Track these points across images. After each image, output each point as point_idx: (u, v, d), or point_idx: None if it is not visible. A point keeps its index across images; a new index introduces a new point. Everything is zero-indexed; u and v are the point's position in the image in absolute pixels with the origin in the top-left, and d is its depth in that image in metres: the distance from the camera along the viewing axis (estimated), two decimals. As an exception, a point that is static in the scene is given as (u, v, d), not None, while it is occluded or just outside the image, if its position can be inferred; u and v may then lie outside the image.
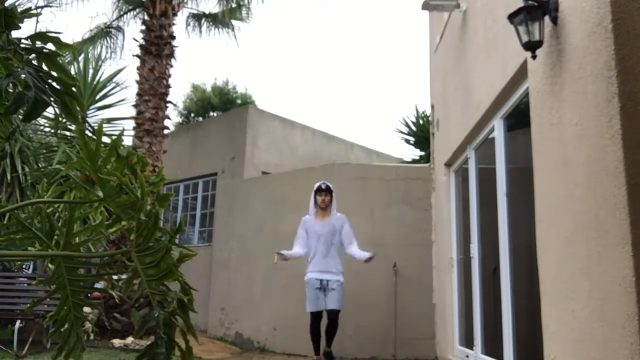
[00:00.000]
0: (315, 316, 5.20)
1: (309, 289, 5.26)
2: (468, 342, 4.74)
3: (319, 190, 5.48)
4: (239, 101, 20.19)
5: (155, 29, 8.32)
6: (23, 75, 1.07)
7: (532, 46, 2.54)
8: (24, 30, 1.13)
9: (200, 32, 10.34)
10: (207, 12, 10.28)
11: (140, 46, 8.36)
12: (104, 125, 6.77)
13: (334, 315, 5.15)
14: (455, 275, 5.24)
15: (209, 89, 20.88)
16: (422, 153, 9.74)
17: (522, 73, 3.19)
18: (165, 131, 8.31)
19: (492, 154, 3.99)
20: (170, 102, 8.38)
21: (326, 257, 5.31)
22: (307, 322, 5.28)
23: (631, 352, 1.84)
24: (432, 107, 6.47)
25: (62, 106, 1.14)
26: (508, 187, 3.76)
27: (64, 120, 1.18)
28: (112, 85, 7.90)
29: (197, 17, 10.30)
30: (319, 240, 5.35)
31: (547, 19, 2.59)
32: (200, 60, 42.87)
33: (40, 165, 6.92)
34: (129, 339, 6.50)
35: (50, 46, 1.16)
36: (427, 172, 6.54)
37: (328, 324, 5.18)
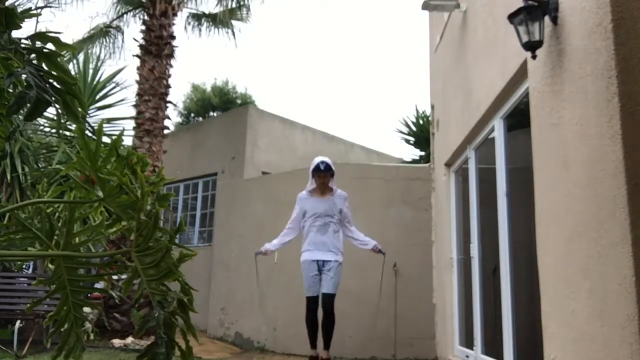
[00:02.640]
0: (312, 301, 4.78)
1: (305, 272, 4.80)
2: (468, 342, 4.74)
3: (317, 171, 4.88)
4: (239, 101, 20.19)
5: (155, 29, 8.32)
6: (24, 75, 1.07)
7: (532, 46, 2.54)
8: (24, 30, 1.13)
9: (200, 32, 10.36)
10: (207, 12, 10.28)
11: (140, 46, 8.36)
12: (104, 125, 6.77)
13: (329, 300, 4.69)
14: (455, 275, 5.24)
15: (209, 89, 20.88)
16: (422, 153, 9.74)
17: (522, 73, 3.19)
18: (165, 131, 8.31)
19: (492, 154, 3.99)
20: (170, 102, 8.38)
21: (324, 234, 4.81)
22: (307, 322, 5.12)
23: (631, 352, 1.84)
24: (432, 107, 6.47)
25: (63, 105, 1.14)
26: (508, 187, 3.76)
27: (65, 120, 1.18)
28: (112, 85, 7.91)
29: (197, 17, 10.30)
30: (317, 218, 4.85)
31: (547, 19, 2.59)
32: (200, 60, 42.90)
33: (40, 165, 6.93)
34: (129, 339, 6.51)
35: (50, 46, 1.16)
36: (427, 172, 6.54)
37: (324, 316, 4.74)
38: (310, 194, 5.00)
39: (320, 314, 4.89)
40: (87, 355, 5.11)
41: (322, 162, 4.90)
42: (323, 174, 4.89)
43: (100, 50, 9.77)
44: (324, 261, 4.79)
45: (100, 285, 6.61)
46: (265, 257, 5.39)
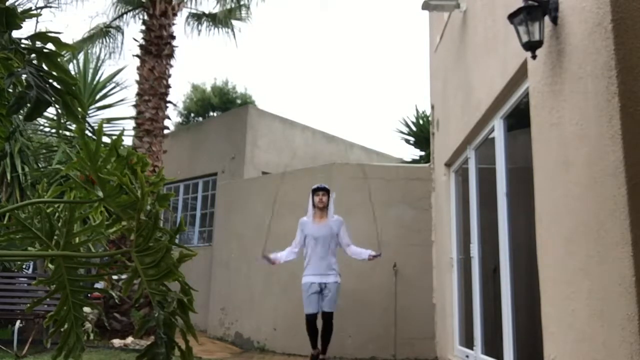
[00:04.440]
0: (312, 317, 5.19)
1: (306, 292, 5.23)
2: (468, 342, 4.74)
3: (316, 190, 5.46)
4: (239, 101, 20.19)
5: (155, 29, 8.32)
6: (24, 75, 1.07)
7: (532, 46, 2.54)
8: (24, 30, 1.13)
9: (200, 32, 10.35)
10: (206, 12, 10.28)
11: (140, 46, 8.36)
12: (104, 125, 6.77)
13: (328, 316, 5.16)
14: (455, 275, 5.24)
15: (208, 89, 20.88)
16: (422, 153, 9.74)
17: (522, 73, 3.19)
18: (165, 131, 8.31)
19: (492, 154, 3.99)
20: (170, 102, 8.38)
21: (324, 259, 5.28)
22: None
23: (631, 352, 1.84)
24: (432, 107, 6.47)
25: (63, 105, 1.14)
26: (508, 187, 3.76)
27: (65, 120, 1.18)
28: (112, 85, 7.90)
29: (197, 17, 10.30)
30: (317, 242, 5.31)
31: (547, 19, 2.59)
32: (200, 60, 42.84)
33: (40, 165, 6.92)
34: (129, 339, 6.50)
35: (50, 46, 1.16)
36: (427, 172, 6.54)
37: (323, 326, 5.17)
38: (310, 220, 5.49)
39: (319, 323, 5.23)
40: (87, 355, 5.11)
41: (320, 184, 5.57)
42: (321, 192, 5.44)
43: (100, 50, 9.78)
44: (325, 284, 5.24)
45: (100, 285, 6.62)
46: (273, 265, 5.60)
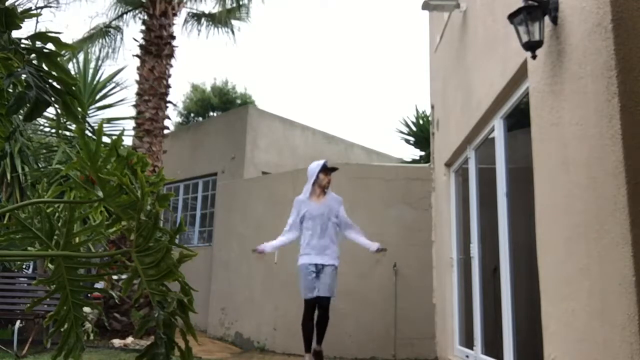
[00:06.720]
0: (310, 303, 4.78)
1: (303, 275, 4.80)
2: (468, 342, 4.74)
3: (324, 169, 5.00)
4: (238, 101, 20.19)
5: (155, 29, 8.32)
6: (24, 75, 1.07)
7: (532, 46, 2.54)
8: (24, 30, 1.13)
9: (200, 31, 10.36)
10: (206, 12, 10.29)
11: (140, 46, 8.36)
12: (104, 125, 6.75)
13: (325, 303, 4.74)
14: (455, 275, 5.24)
15: (208, 89, 20.88)
16: (422, 153, 9.74)
17: (522, 73, 3.19)
18: (165, 131, 8.31)
19: (492, 154, 3.99)
20: (170, 102, 8.38)
21: (322, 239, 4.84)
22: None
23: (631, 352, 1.84)
24: (432, 107, 6.47)
25: (63, 106, 1.14)
26: (508, 187, 3.76)
27: (65, 120, 1.18)
28: (112, 85, 7.88)
29: (197, 17, 10.30)
30: (315, 221, 4.88)
31: (547, 19, 2.59)
32: (200, 60, 42.87)
33: (40, 165, 6.92)
34: (129, 339, 6.51)
35: (50, 46, 1.16)
36: (427, 172, 6.54)
37: (319, 315, 4.78)
38: (306, 198, 5.02)
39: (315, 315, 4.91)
40: (87, 355, 5.11)
41: (327, 161, 5.09)
42: (330, 172, 5.04)
43: (100, 50, 9.78)
44: (322, 265, 4.80)
45: (100, 285, 6.61)
46: (265, 256, 5.40)
